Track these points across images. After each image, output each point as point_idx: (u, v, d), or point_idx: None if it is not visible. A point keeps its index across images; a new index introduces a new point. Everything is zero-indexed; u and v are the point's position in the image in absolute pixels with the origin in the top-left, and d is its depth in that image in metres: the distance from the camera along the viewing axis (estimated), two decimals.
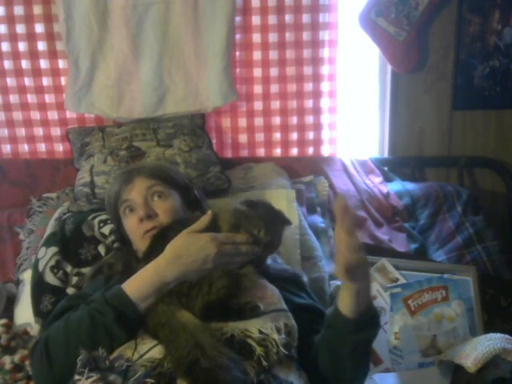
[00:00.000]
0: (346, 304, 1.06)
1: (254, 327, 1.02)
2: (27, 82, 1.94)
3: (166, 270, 1.08)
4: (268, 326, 1.03)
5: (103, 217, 1.59)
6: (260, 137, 2.02)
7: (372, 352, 1.15)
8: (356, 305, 1.05)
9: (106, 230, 1.56)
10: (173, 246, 1.11)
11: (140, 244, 1.29)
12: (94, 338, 1.03)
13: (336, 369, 1.10)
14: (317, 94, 1.97)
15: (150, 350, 1.01)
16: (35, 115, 1.97)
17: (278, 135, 2.02)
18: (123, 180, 1.36)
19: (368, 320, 1.07)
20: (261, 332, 1.01)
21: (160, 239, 1.20)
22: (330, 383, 1.13)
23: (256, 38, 1.92)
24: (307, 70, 1.95)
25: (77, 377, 0.95)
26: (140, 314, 1.07)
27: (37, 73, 1.92)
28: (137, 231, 1.30)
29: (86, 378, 0.93)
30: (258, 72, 1.95)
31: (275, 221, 1.20)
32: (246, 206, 1.20)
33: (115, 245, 1.52)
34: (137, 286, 1.09)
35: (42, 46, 1.90)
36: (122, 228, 1.39)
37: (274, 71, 1.95)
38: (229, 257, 1.11)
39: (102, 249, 1.55)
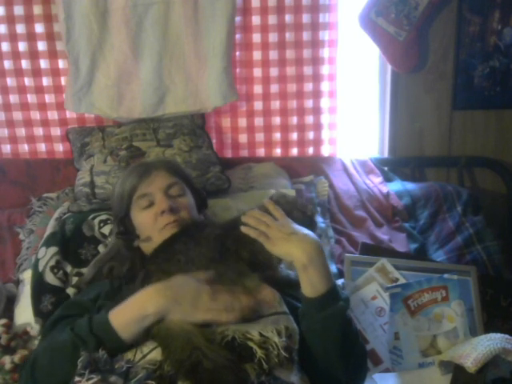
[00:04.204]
0: (302, 284, 1.11)
1: (254, 330, 1.02)
2: (27, 82, 1.93)
3: (150, 300, 1.03)
4: (269, 329, 1.02)
5: (103, 217, 1.59)
6: (260, 137, 2.03)
7: (358, 342, 1.16)
8: (308, 281, 1.10)
9: (106, 230, 1.56)
10: (166, 281, 1.08)
11: (157, 237, 1.28)
12: (76, 364, 0.98)
13: (324, 358, 1.10)
14: (317, 94, 1.97)
15: (151, 351, 1.01)
16: (35, 115, 1.97)
17: (278, 135, 2.03)
18: (141, 173, 1.35)
19: (329, 296, 1.10)
20: (261, 335, 1.01)
21: (176, 238, 1.22)
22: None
23: (256, 37, 1.92)
24: (307, 70, 1.95)
25: (77, 378, 0.94)
26: (122, 344, 1.02)
27: (37, 73, 1.92)
28: (154, 225, 1.30)
29: (87, 380, 0.92)
30: (258, 72, 1.95)
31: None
32: (278, 197, 1.24)
33: (111, 239, 1.51)
34: (120, 314, 1.04)
35: (42, 46, 1.90)
36: (128, 221, 1.37)
37: (273, 71, 1.95)
38: (223, 309, 1.04)
39: (101, 249, 1.55)
